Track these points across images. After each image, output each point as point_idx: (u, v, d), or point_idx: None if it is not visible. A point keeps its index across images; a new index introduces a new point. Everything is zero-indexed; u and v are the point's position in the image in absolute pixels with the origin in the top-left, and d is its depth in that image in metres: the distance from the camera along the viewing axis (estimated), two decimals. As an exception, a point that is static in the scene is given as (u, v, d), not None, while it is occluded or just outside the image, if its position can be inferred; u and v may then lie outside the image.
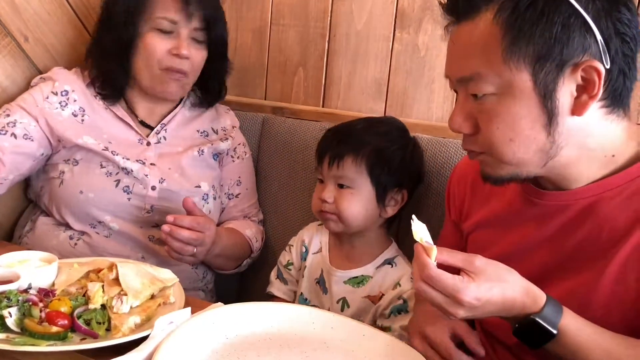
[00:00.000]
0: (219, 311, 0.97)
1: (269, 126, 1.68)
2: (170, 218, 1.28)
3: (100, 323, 0.95)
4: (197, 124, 1.56)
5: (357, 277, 1.30)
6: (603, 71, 0.80)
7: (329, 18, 1.66)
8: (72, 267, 1.11)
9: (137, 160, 1.41)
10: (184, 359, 0.85)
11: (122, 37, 1.39)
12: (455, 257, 0.79)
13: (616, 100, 0.85)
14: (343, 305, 1.30)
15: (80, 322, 0.94)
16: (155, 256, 1.42)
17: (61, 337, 0.91)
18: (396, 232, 1.41)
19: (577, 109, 0.83)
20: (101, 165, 1.39)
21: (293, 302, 1.41)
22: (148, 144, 1.46)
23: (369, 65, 1.62)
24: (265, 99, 1.80)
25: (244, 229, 1.54)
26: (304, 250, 1.40)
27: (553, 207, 0.93)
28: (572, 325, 0.80)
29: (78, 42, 1.59)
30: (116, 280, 1.03)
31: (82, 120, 1.43)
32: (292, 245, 1.44)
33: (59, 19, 1.60)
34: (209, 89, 1.56)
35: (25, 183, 1.52)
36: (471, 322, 1.12)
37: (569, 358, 0.80)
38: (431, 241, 0.81)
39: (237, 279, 1.67)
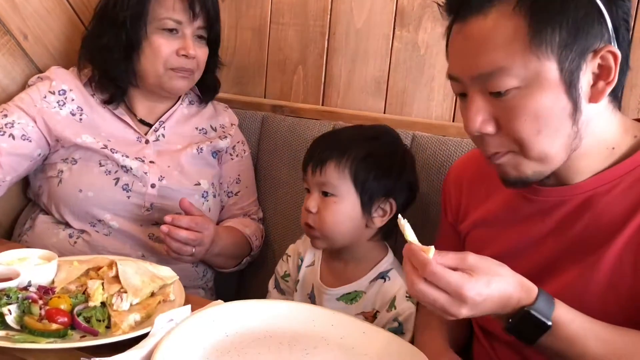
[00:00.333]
0: (219, 309, 0.97)
1: (269, 124, 1.68)
2: (168, 218, 1.28)
3: (100, 320, 0.95)
4: (195, 121, 1.56)
5: (350, 293, 1.24)
6: (620, 56, 0.81)
7: (328, 16, 1.65)
8: (71, 265, 1.11)
9: (136, 158, 1.41)
10: (184, 357, 0.85)
11: (129, 40, 1.39)
12: (447, 257, 0.77)
13: (615, 91, 0.86)
14: None
15: (80, 319, 0.94)
16: (155, 254, 1.42)
17: (61, 335, 0.91)
18: (395, 239, 1.35)
19: (595, 96, 0.84)
20: (100, 163, 1.39)
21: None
22: (147, 141, 1.46)
23: (369, 63, 1.62)
24: (264, 97, 1.80)
25: (243, 228, 1.54)
26: (300, 262, 1.36)
27: (551, 203, 0.93)
28: (566, 316, 0.79)
29: (77, 40, 1.58)
30: (116, 278, 1.03)
31: (80, 119, 1.43)
32: (290, 256, 1.40)
33: (58, 17, 1.60)
34: (207, 84, 1.57)
35: (25, 182, 1.52)
36: (468, 324, 1.12)
37: (565, 352, 0.80)
38: (417, 241, 0.80)
39: (236, 277, 1.68)
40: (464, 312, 0.76)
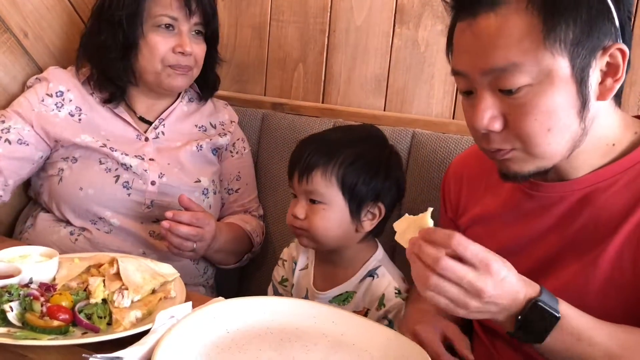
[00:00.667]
0: (220, 305, 0.97)
1: (269, 122, 1.68)
2: (169, 214, 1.28)
3: (101, 317, 0.96)
4: (195, 118, 1.56)
5: (341, 294, 1.24)
6: (628, 53, 0.82)
7: (328, 14, 1.65)
8: (73, 262, 1.11)
9: (135, 156, 1.41)
10: (185, 353, 0.85)
11: (125, 39, 1.39)
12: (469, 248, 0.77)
13: (621, 87, 0.87)
14: None
15: (81, 316, 0.94)
16: (156, 251, 1.42)
17: (62, 332, 0.91)
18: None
19: (603, 93, 0.84)
20: (100, 161, 1.39)
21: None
22: (146, 139, 1.46)
23: (369, 61, 1.62)
24: (265, 95, 1.80)
25: (244, 224, 1.54)
26: (294, 266, 1.36)
27: (551, 199, 0.93)
28: (570, 310, 0.80)
29: (77, 38, 1.58)
30: (117, 275, 1.03)
31: (79, 119, 1.44)
32: (286, 260, 1.39)
33: (58, 15, 1.60)
34: (206, 81, 1.57)
35: (26, 180, 1.52)
36: (468, 324, 1.12)
37: (570, 350, 0.79)
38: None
39: (237, 274, 1.68)
40: (476, 305, 0.76)
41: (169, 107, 1.53)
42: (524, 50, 0.80)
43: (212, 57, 1.54)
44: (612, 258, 0.86)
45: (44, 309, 0.93)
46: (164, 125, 1.50)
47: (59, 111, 1.42)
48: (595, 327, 0.80)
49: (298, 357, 0.88)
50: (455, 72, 0.89)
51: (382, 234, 1.29)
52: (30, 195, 1.54)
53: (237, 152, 1.60)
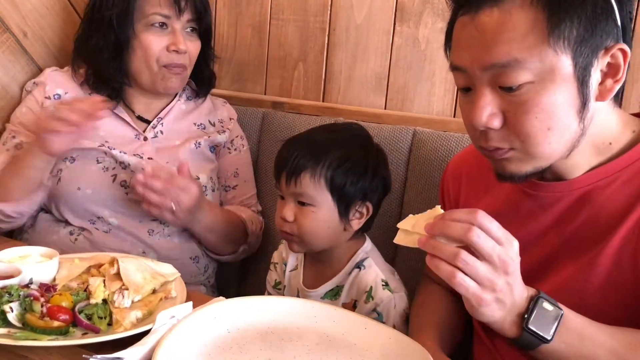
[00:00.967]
0: (221, 305, 0.97)
1: (269, 121, 1.68)
2: (148, 168, 1.25)
3: (101, 318, 0.95)
4: (193, 117, 1.56)
5: (332, 289, 1.24)
6: (629, 53, 0.82)
7: (328, 12, 1.65)
8: (73, 263, 1.11)
9: (134, 155, 1.41)
10: (186, 353, 0.85)
11: (117, 39, 1.38)
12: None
13: (620, 87, 0.86)
14: None
15: (81, 316, 0.94)
16: (156, 251, 1.42)
17: (63, 332, 0.91)
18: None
19: (602, 94, 0.84)
20: (97, 160, 1.39)
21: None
22: (145, 139, 1.46)
23: (369, 59, 1.61)
24: (265, 94, 1.79)
25: (239, 212, 1.53)
26: (284, 267, 1.36)
27: (550, 199, 0.93)
28: (569, 310, 0.80)
29: (76, 38, 1.58)
30: (117, 275, 1.03)
31: None
32: (277, 264, 1.39)
33: (57, 14, 1.60)
34: (202, 78, 1.56)
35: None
36: (468, 322, 1.12)
37: (577, 349, 0.79)
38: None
39: (238, 273, 1.68)
40: (501, 283, 0.75)
41: (166, 105, 1.52)
42: (527, 46, 0.79)
43: (206, 54, 1.54)
44: (611, 257, 0.85)
45: (44, 310, 0.93)
46: (162, 124, 1.50)
47: None
48: (595, 327, 0.80)
49: (299, 357, 0.88)
50: (454, 68, 0.88)
51: (370, 229, 1.29)
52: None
53: (235, 149, 1.60)
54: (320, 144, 1.20)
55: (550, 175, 0.93)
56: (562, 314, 0.78)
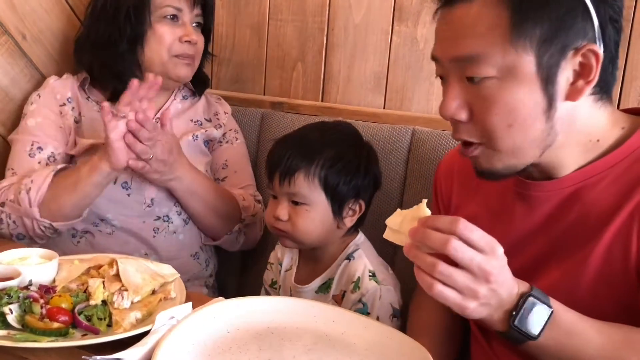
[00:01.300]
0: (220, 305, 0.97)
1: (268, 121, 1.68)
2: (140, 115, 1.23)
3: (101, 319, 0.95)
4: (189, 114, 1.56)
5: (325, 282, 1.26)
6: (602, 55, 0.80)
7: (327, 12, 1.65)
8: (72, 264, 1.11)
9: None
10: (186, 354, 0.85)
11: (133, 31, 1.40)
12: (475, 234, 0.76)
13: (603, 88, 0.85)
14: None
15: (81, 318, 0.94)
16: (158, 252, 1.42)
17: (62, 333, 0.90)
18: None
19: (573, 94, 0.83)
20: None
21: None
22: None
23: (368, 58, 1.61)
24: (264, 94, 1.79)
25: (230, 188, 1.52)
26: (280, 267, 1.36)
27: (540, 198, 0.92)
28: (560, 305, 0.80)
29: (76, 40, 1.58)
30: (117, 276, 1.03)
31: (82, 124, 1.46)
32: (272, 264, 1.39)
33: (56, 16, 1.60)
34: (200, 76, 1.57)
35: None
36: (465, 322, 1.11)
37: (565, 345, 0.79)
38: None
39: (238, 273, 1.68)
40: (483, 291, 0.75)
41: (162, 105, 1.52)
42: (489, 42, 0.81)
43: (203, 53, 1.54)
44: (602, 255, 0.85)
45: (44, 311, 0.93)
46: (159, 123, 1.49)
47: (73, 117, 1.46)
48: (585, 323, 0.80)
49: (298, 357, 0.88)
50: (432, 57, 0.92)
51: (363, 225, 1.30)
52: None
53: (227, 142, 1.59)
54: (313, 143, 1.21)
55: (538, 174, 0.93)
56: (551, 312, 0.78)
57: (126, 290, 1.00)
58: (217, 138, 1.56)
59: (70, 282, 1.05)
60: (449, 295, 0.76)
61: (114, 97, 1.45)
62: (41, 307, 0.93)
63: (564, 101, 0.83)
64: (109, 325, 0.95)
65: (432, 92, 1.54)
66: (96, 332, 0.93)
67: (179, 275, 1.11)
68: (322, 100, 1.70)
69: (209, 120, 1.58)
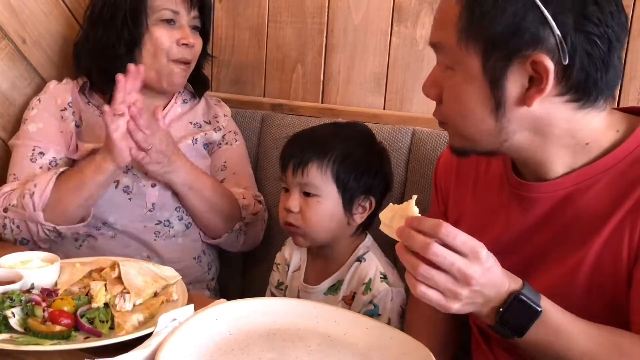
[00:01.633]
0: (222, 307, 0.97)
1: (269, 123, 1.68)
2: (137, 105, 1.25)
3: (103, 321, 0.95)
4: (189, 117, 1.56)
5: (334, 284, 1.26)
6: (551, 68, 0.79)
7: (326, 13, 1.65)
8: (74, 267, 1.11)
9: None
10: (188, 356, 0.85)
11: (131, 35, 1.40)
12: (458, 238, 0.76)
13: (585, 95, 0.83)
14: None
15: (83, 320, 0.94)
16: (160, 255, 1.43)
17: (65, 336, 0.91)
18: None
19: (526, 100, 0.83)
20: None
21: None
22: None
23: (368, 59, 1.61)
24: (264, 96, 1.80)
25: (229, 186, 1.52)
26: (287, 268, 1.37)
27: (533, 200, 0.92)
28: (552, 306, 0.80)
29: (75, 44, 1.59)
30: (119, 279, 1.03)
31: (82, 129, 1.46)
32: (279, 264, 1.40)
33: (55, 20, 1.60)
34: (199, 78, 1.57)
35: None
36: (466, 322, 1.11)
37: (551, 346, 0.80)
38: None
39: (240, 276, 1.68)
40: (466, 293, 0.76)
41: (163, 109, 1.52)
42: (446, 35, 0.85)
43: (203, 55, 1.54)
44: (595, 258, 0.85)
45: (46, 314, 0.93)
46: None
47: (73, 122, 1.45)
48: (574, 324, 0.80)
49: (301, 358, 0.88)
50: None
51: (372, 226, 1.30)
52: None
53: (225, 144, 1.58)
54: (327, 138, 1.25)
55: (529, 174, 0.93)
56: (539, 311, 0.78)
57: (128, 292, 1.00)
58: (217, 141, 1.56)
59: (72, 285, 1.05)
60: (432, 297, 0.77)
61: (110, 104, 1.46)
62: (43, 310, 0.93)
63: (517, 105, 0.83)
64: (111, 327, 0.95)
65: (432, 92, 1.54)
66: (98, 335, 0.93)
67: (180, 277, 1.11)
68: (322, 102, 1.70)
69: (209, 123, 1.58)
